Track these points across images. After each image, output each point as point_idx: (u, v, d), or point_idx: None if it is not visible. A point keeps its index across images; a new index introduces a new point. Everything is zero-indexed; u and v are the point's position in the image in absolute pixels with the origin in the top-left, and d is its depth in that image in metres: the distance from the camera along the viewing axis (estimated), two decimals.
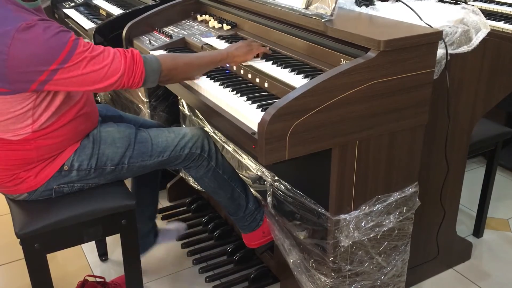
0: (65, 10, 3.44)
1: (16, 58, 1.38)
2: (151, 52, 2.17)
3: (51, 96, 1.54)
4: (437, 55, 1.59)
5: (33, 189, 1.63)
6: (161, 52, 2.16)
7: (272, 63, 1.74)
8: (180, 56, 1.74)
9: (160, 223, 2.53)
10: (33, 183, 1.62)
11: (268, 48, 1.85)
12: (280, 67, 1.70)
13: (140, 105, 2.67)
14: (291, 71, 1.65)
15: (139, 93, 2.62)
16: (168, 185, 2.76)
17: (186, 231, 2.45)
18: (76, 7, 3.50)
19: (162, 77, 1.62)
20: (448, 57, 1.66)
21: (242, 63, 1.82)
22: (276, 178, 1.83)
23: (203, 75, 1.87)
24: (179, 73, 1.69)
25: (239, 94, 1.66)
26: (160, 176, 2.17)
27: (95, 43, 2.50)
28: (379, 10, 1.87)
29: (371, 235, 1.65)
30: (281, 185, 1.79)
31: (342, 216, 1.59)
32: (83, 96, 1.66)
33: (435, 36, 1.53)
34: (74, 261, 2.34)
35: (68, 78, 1.44)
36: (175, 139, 1.79)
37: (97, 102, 1.91)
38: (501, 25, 2.65)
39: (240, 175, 2.01)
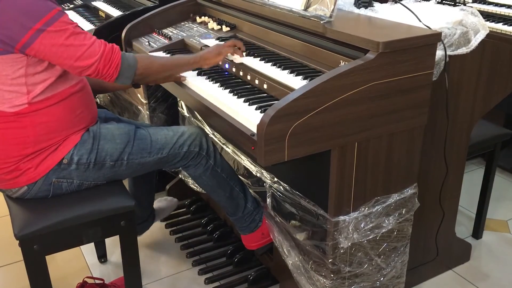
0: None
1: (4, 12, 1.45)
2: (150, 54, 2.17)
3: (45, 67, 1.57)
4: (436, 57, 1.59)
5: (32, 181, 1.63)
6: (160, 53, 2.16)
7: (272, 65, 1.74)
8: (157, 58, 1.81)
9: (159, 224, 2.52)
10: (33, 175, 1.63)
11: (240, 45, 1.87)
12: (279, 68, 1.70)
13: (139, 107, 2.67)
14: (290, 73, 1.65)
15: (138, 95, 2.62)
16: (168, 187, 2.76)
17: (184, 234, 2.46)
18: (75, 9, 3.50)
19: (137, 75, 1.67)
20: (447, 59, 1.66)
21: (235, 61, 1.83)
22: (275, 179, 1.83)
23: (203, 76, 1.87)
24: (154, 73, 1.73)
25: (238, 96, 1.66)
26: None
27: None
28: (378, 11, 1.87)
29: (371, 237, 1.65)
30: (280, 187, 1.79)
31: (341, 218, 1.59)
32: (80, 82, 1.69)
33: (434, 38, 1.53)
34: (73, 262, 2.34)
35: (48, 46, 1.50)
36: (174, 136, 1.80)
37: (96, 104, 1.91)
38: (499, 26, 2.65)
39: (239, 176, 2.01)
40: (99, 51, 1.56)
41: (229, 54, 1.86)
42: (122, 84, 1.68)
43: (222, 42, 2.03)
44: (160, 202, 2.47)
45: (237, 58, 1.85)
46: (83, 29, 1.57)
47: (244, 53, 1.86)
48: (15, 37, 1.47)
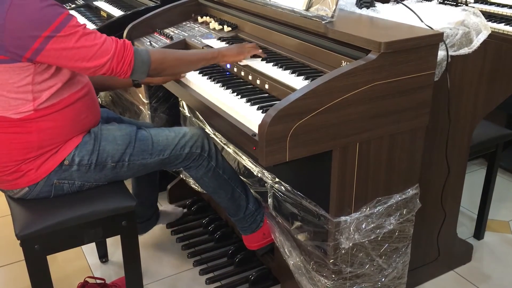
0: None
1: (12, 22, 1.43)
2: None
3: (51, 74, 1.56)
4: (438, 57, 1.59)
5: (33, 182, 1.63)
6: None
7: (273, 65, 1.74)
8: (171, 51, 1.78)
9: (161, 225, 2.52)
10: (34, 176, 1.62)
11: (261, 51, 1.84)
12: (281, 68, 1.70)
13: (140, 107, 2.67)
14: (292, 73, 1.65)
15: (140, 95, 2.62)
16: (169, 187, 2.76)
17: (185, 234, 2.46)
18: (76, 9, 3.50)
19: (152, 70, 1.65)
20: (449, 59, 1.66)
21: (240, 64, 1.83)
22: (277, 179, 1.82)
23: (204, 75, 1.87)
24: (169, 67, 1.71)
25: (239, 96, 1.66)
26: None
27: None
28: (380, 12, 1.87)
29: (372, 237, 1.65)
30: (282, 187, 1.79)
31: (343, 218, 1.59)
32: (85, 86, 1.68)
33: (436, 38, 1.53)
34: (74, 262, 2.34)
35: (59, 50, 1.48)
36: (176, 138, 1.80)
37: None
38: (501, 27, 2.65)
39: (240, 177, 2.01)
40: (111, 49, 1.54)
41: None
42: (138, 79, 1.66)
43: (223, 43, 2.04)
44: (166, 207, 2.49)
45: (254, 63, 1.80)
46: (92, 29, 1.56)
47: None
48: (24, 46, 1.46)
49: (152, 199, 2.25)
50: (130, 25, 2.39)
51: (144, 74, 1.64)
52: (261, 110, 1.53)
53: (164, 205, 2.56)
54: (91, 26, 2.97)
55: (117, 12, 2.99)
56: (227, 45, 2.00)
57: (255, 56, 1.83)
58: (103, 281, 2.10)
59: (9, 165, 1.61)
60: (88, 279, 2.10)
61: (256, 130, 1.40)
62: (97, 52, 1.52)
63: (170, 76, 1.88)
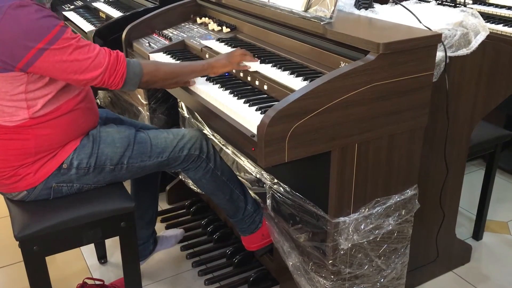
0: (64, 13, 3.44)
1: (5, 32, 1.43)
2: (151, 55, 2.17)
3: (45, 83, 1.55)
4: (437, 58, 1.59)
5: (32, 186, 1.63)
6: (161, 54, 2.17)
7: (272, 66, 1.74)
8: (163, 64, 1.78)
9: (159, 225, 2.52)
10: (32, 180, 1.62)
11: (251, 56, 1.82)
12: (280, 69, 1.70)
13: (139, 108, 2.67)
14: (291, 74, 1.65)
15: (139, 96, 2.62)
16: (168, 188, 2.76)
17: (184, 235, 2.45)
18: (75, 10, 3.50)
19: (143, 83, 1.66)
20: (447, 60, 1.66)
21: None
22: (276, 180, 1.83)
23: (203, 77, 1.87)
24: (159, 80, 1.72)
25: (238, 97, 1.66)
26: (160, 179, 2.17)
27: None
28: (378, 13, 1.87)
29: (371, 238, 1.65)
30: (281, 188, 1.79)
31: (342, 219, 1.59)
32: (83, 91, 1.68)
33: (434, 39, 1.53)
34: (73, 263, 2.34)
35: (52, 63, 1.48)
36: (174, 140, 1.80)
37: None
38: (500, 28, 2.65)
39: (239, 178, 2.01)
40: (104, 62, 1.54)
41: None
42: (128, 90, 1.66)
43: (222, 44, 2.04)
44: (164, 232, 2.40)
45: (250, 65, 1.79)
46: (86, 40, 1.55)
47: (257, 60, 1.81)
48: (16, 56, 1.45)
49: (151, 216, 2.15)
50: (129, 26, 2.39)
51: (135, 86, 1.65)
52: (260, 111, 1.53)
53: (162, 231, 2.44)
54: (89, 27, 2.97)
55: (116, 13, 2.99)
56: (227, 46, 2.00)
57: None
58: (102, 282, 2.10)
59: (6, 170, 1.61)
60: (87, 280, 2.10)
61: (255, 131, 1.40)
62: (90, 66, 1.52)
63: (163, 87, 1.86)
